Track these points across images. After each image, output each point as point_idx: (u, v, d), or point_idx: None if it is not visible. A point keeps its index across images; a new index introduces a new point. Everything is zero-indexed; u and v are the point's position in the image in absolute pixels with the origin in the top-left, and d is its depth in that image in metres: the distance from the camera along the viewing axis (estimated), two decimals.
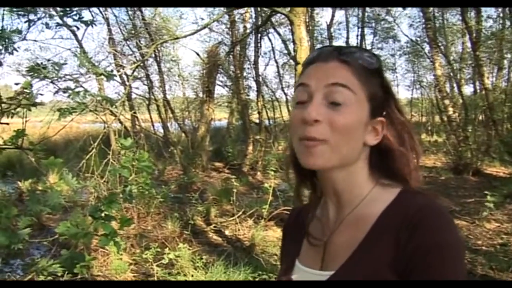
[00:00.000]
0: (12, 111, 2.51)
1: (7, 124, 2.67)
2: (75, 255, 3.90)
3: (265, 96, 14.97)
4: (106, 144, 5.41)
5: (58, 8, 2.80)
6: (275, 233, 6.18)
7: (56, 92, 2.89)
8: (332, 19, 17.15)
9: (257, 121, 13.51)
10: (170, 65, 14.81)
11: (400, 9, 16.23)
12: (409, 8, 15.46)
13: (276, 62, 16.24)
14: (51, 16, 2.85)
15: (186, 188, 9.36)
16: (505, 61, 14.09)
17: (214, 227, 6.71)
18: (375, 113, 0.88)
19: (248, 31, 12.92)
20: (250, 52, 13.68)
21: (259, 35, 12.85)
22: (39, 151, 2.53)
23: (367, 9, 16.90)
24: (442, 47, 13.35)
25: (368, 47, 19.28)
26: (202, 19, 14.34)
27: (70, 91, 2.75)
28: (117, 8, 12.02)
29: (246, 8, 12.09)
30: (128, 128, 10.78)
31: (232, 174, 10.30)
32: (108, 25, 12.30)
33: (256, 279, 4.41)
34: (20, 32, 2.66)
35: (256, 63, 13.04)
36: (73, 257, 3.81)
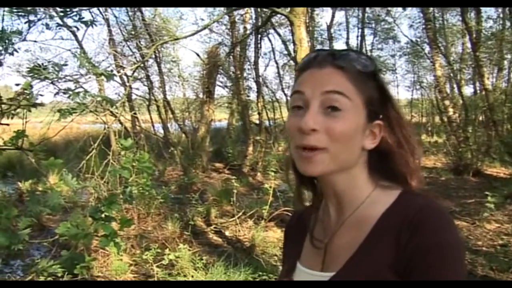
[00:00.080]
0: (12, 112, 2.51)
1: (7, 125, 2.67)
2: (75, 255, 3.90)
3: (265, 97, 14.97)
4: (106, 145, 5.41)
5: (58, 9, 2.80)
6: (275, 234, 6.18)
7: (57, 93, 2.90)
8: (332, 20, 17.18)
9: (257, 121, 13.51)
10: (170, 66, 14.82)
11: (400, 9, 16.25)
12: (409, 9, 15.49)
13: (276, 62, 16.25)
14: (51, 17, 2.86)
15: (186, 189, 9.36)
16: (505, 62, 14.08)
17: (214, 227, 6.71)
18: (372, 117, 0.88)
19: (248, 31, 12.92)
20: (250, 53, 13.71)
21: (259, 35, 12.85)
22: (39, 151, 2.53)
23: (367, 9, 16.91)
24: (442, 48, 13.37)
25: (368, 48, 19.32)
26: (202, 19, 14.36)
27: (70, 92, 2.75)
28: (117, 8, 12.04)
29: (246, 9, 12.10)
30: (128, 128, 10.77)
31: (232, 175, 10.29)
32: (108, 25, 12.30)
33: (256, 280, 4.40)
34: (20, 33, 2.66)
35: (256, 63, 13.05)
36: (73, 258, 3.81)
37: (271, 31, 13.87)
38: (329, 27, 16.98)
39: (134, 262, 5.28)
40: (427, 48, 14.12)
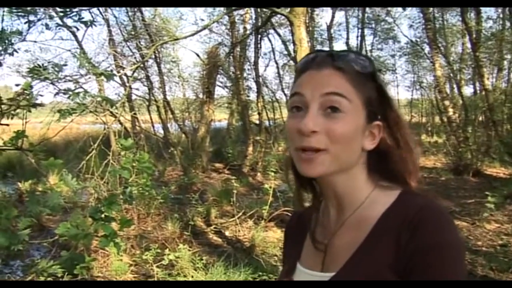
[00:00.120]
0: (12, 112, 2.51)
1: (7, 125, 2.67)
2: (75, 256, 3.90)
3: (265, 97, 14.97)
4: (106, 145, 5.41)
5: (58, 9, 2.80)
6: (275, 234, 6.18)
7: (57, 93, 2.89)
8: (332, 20, 17.19)
9: (257, 122, 13.51)
10: (170, 66, 14.81)
11: (400, 9, 16.26)
12: (409, 9, 15.48)
13: (276, 63, 16.26)
14: (51, 17, 2.86)
15: (186, 189, 9.36)
16: (505, 62, 14.09)
17: (214, 228, 6.71)
18: (371, 118, 0.88)
19: (248, 32, 12.92)
20: (250, 53, 13.71)
21: (259, 36, 12.85)
22: (39, 152, 2.53)
23: (367, 10, 16.92)
24: (442, 48, 13.37)
25: (368, 48, 19.33)
26: (202, 20, 14.34)
27: (70, 92, 2.75)
28: (117, 9, 12.03)
29: (246, 9, 12.10)
30: (128, 129, 10.77)
31: (232, 175, 10.30)
32: (108, 26, 12.31)
33: (256, 280, 4.40)
34: (20, 33, 2.66)
35: (256, 64, 13.05)
36: (73, 258, 3.82)
37: (271, 31, 13.88)
38: (329, 27, 16.99)
39: (134, 262, 5.28)
40: (427, 48, 14.14)
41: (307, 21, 9.43)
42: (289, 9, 5.09)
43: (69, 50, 9.14)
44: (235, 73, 12.92)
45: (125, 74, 9.47)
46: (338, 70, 0.86)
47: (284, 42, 14.36)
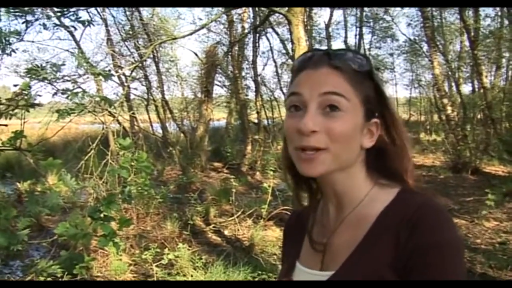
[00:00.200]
0: (10, 112, 2.51)
1: (6, 125, 2.67)
2: (74, 256, 3.90)
3: (263, 96, 14.94)
4: (104, 145, 5.40)
5: (56, 9, 2.80)
6: (274, 233, 6.19)
7: (55, 93, 2.89)
8: (330, 19, 17.19)
9: (256, 121, 13.50)
10: (169, 66, 14.78)
11: (398, 8, 16.26)
12: (407, 7, 15.48)
13: (275, 61, 16.26)
14: (48, 17, 2.85)
15: (185, 188, 9.36)
16: (503, 60, 14.09)
17: (214, 227, 6.71)
18: (369, 116, 0.88)
19: (246, 31, 12.91)
20: (249, 52, 13.69)
21: (257, 35, 12.85)
22: (38, 152, 2.53)
23: (365, 8, 16.91)
24: (440, 46, 13.36)
25: (367, 47, 19.35)
26: (200, 19, 14.32)
27: (68, 92, 2.75)
28: (115, 8, 12.00)
29: (244, 8, 12.08)
30: (126, 128, 10.73)
31: (231, 174, 10.31)
32: (106, 25, 12.27)
33: (256, 279, 4.41)
34: (18, 33, 2.66)
35: (254, 63, 13.04)
36: (72, 258, 3.82)
37: (269, 30, 13.88)
38: (327, 26, 16.99)
39: (134, 262, 5.28)
40: (425, 47, 14.15)
41: (305, 19, 9.44)
42: (287, 8, 5.09)
43: (67, 50, 9.16)
44: (234, 72, 12.91)
45: (123, 74, 9.47)
46: (336, 69, 0.86)
47: (282, 41, 14.37)
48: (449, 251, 0.77)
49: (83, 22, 2.93)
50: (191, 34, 6.77)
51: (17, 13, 2.71)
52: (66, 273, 4.03)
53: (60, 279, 4.02)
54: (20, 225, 2.36)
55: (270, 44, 17.46)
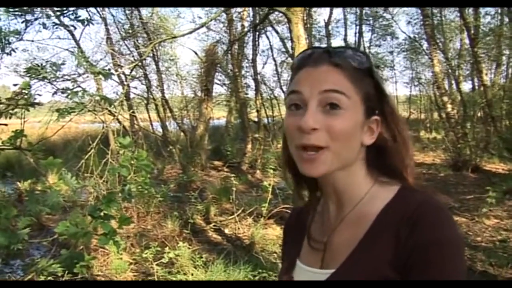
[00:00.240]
0: (10, 111, 2.51)
1: (6, 125, 2.67)
2: (74, 254, 3.91)
3: (263, 95, 14.96)
4: (105, 144, 5.40)
5: (55, 8, 2.80)
6: (275, 231, 6.19)
7: (55, 92, 2.89)
8: (330, 17, 17.18)
9: (256, 119, 13.51)
10: (168, 64, 14.78)
11: None
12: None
13: (274, 60, 16.27)
14: (48, 16, 2.85)
15: (185, 187, 9.36)
16: (504, 58, 14.05)
17: (214, 225, 6.71)
18: (369, 113, 0.88)
19: (246, 29, 12.90)
20: (248, 51, 13.68)
21: (257, 33, 12.84)
22: (38, 151, 2.53)
23: None
24: (440, 44, 13.35)
25: (366, 45, 19.34)
26: (200, 18, 14.35)
27: (68, 91, 2.75)
28: (114, 7, 12.00)
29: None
30: (126, 127, 10.75)
31: (231, 173, 10.32)
32: (106, 24, 12.26)
33: (256, 277, 4.41)
34: (18, 32, 2.66)
35: (254, 61, 13.04)
36: (73, 257, 3.82)
37: (269, 28, 13.88)
38: (327, 24, 16.97)
39: (134, 260, 5.29)
40: (425, 45, 14.16)
41: (305, 18, 9.44)
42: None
43: (67, 49, 9.16)
44: (233, 71, 12.90)
45: (123, 73, 9.45)
46: (336, 67, 0.86)
47: (282, 39, 14.38)
48: (449, 249, 0.77)
49: (82, 21, 2.93)
50: (190, 32, 6.78)
51: (16, 13, 2.70)
52: (66, 272, 4.04)
53: (60, 278, 4.03)
54: (20, 224, 2.36)
55: (270, 42, 17.45)
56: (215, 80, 13.52)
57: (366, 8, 17.34)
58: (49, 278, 3.97)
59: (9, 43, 2.61)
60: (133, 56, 12.21)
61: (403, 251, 0.78)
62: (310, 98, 0.84)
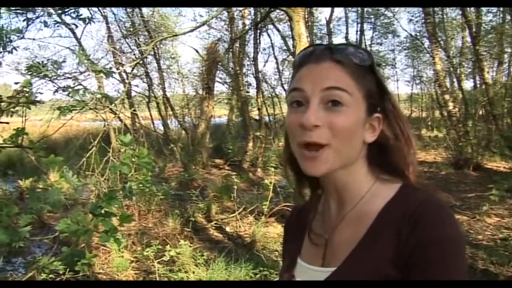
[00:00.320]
0: (12, 109, 2.51)
1: (7, 123, 2.67)
2: (75, 252, 3.92)
3: (264, 93, 14.96)
4: (106, 142, 5.42)
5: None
6: (276, 230, 6.19)
7: (56, 90, 2.89)
8: (331, 15, 17.13)
9: (257, 117, 13.51)
10: (170, 63, 14.78)
11: None
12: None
13: (276, 58, 16.26)
14: (49, 14, 2.85)
15: (186, 185, 9.37)
16: (505, 56, 14.00)
17: (215, 224, 6.72)
18: (371, 110, 0.88)
19: (247, 27, 12.88)
20: (250, 49, 13.67)
21: (258, 31, 12.83)
22: (39, 149, 2.53)
23: None
24: (442, 42, 13.33)
25: (368, 43, 19.31)
26: (201, 16, 14.29)
27: (69, 89, 2.75)
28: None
29: None
30: (128, 125, 10.77)
31: (232, 171, 10.30)
32: (107, 23, 12.27)
33: (257, 276, 4.42)
34: (20, 31, 2.66)
35: (255, 59, 13.03)
36: (74, 254, 3.83)
37: (270, 26, 13.87)
38: (328, 22, 16.93)
39: (135, 258, 5.30)
40: (426, 43, 14.11)
41: (306, 16, 9.42)
42: None
43: (68, 48, 9.15)
44: (235, 69, 12.90)
45: (125, 71, 9.48)
46: (337, 63, 0.86)
47: (283, 37, 14.35)
48: (450, 247, 0.76)
49: (84, 20, 2.93)
50: (192, 31, 6.78)
51: (18, 11, 2.70)
52: (68, 270, 4.05)
53: (62, 276, 4.04)
54: (21, 222, 2.37)
55: (271, 40, 17.39)
56: (216, 78, 13.55)
57: None
58: (51, 275, 3.98)
59: (11, 41, 2.61)
60: (134, 54, 12.23)
61: (405, 249, 0.78)
62: (312, 95, 0.84)
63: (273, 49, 16.06)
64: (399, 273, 0.78)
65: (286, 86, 15.97)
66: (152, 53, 12.31)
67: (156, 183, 7.69)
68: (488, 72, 11.48)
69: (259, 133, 12.69)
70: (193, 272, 4.53)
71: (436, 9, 13.16)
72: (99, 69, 3.02)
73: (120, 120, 8.89)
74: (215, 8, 12.15)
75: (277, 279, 3.84)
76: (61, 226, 2.28)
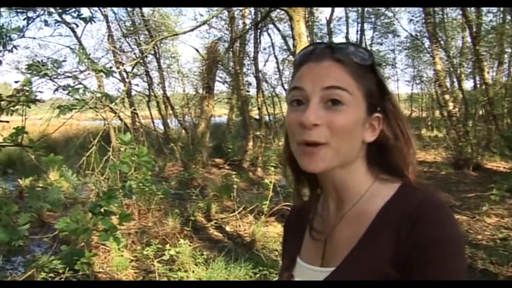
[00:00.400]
0: (12, 108, 2.51)
1: (7, 122, 2.67)
2: (74, 251, 3.91)
3: (265, 92, 14.96)
4: (106, 141, 5.42)
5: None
6: (276, 229, 6.19)
7: (56, 89, 2.89)
8: (331, 15, 17.12)
9: (257, 117, 13.51)
10: (170, 62, 14.79)
11: None
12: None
13: (276, 58, 16.26)
14: (50, 14, 2.85)
15: (186, 185, 9.37)
16: (506, 56, 14.00)
17: (215, 223, 6.72)
18: (371, 110, 0.88)
19: (247, 27, 12.88)
20: (250, 48, 13.68)
21: (259, 31, 12.83)
22: (39, 148, 2.53)
23: None
24: (442, 42, 13.32)
25: (368, 42, 19.31)
26: (201, 15, 14.29)
27: (69, 88, 2.75)
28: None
29: None
30: (128, 125, 10.77)
31: (232, 170, 10.30)
32: (107, 22, 12.27)
33: (257, 275, 4.42)
34: (20, 29, 2.65)
35: (255, 59, 13.03)
36: (73, 253, 3.83)
37: (271, 26, 13.87)
38: (329, 21, 16.93)
39: (135, 257, 5.30)
40: (427, 42, 14.11)
41: (306, 15, 9.41)
42: None
43: (68, 46, 9.15)
44: (235, 68, 12.90)
45: (125, 70, 9.48)
46: (338, 62, 0.85)
47: (283, 37, 14.36)
48: (450, 247, 0.76)
49: (84, 19, 2.93)
50: (192, 30, 6.78)
51: (18, 10, 2.70)
52: (68, 268, 4.05)
53: (62, 275, 4.04)
54: (21, 221, 2.37)
55: (271, 40, 17.41)
56: (217, 78, 13.55)
57: None
58: (50, 274, 3.98)
59: (11, 40, 2.61)
60: (134, 54, 12.23)
61: (404, 249, 0.78)
62: (312, 94, 0.84)
63: (273, 49, 16.08)
64: (398, 273, 0.77)
65: (286, 86, 15.96)
66: (153, 52, 12.31)
67: (156, 182, 7.69)
68: (488, 72, 11.48)
69: (259, 132, 12.69)
70: (193, 272, 4.53)
71: (437, 9, 13.16)
72: (99, 68, 3.02)
73: (120, 119, 8.89)
74: (215, 8, 12.17)
75: (276, 278, 3.84)
76: (60, 225, 2.28)
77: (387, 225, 0.82)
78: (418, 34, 16.88)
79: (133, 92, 13.12)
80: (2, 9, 2.62)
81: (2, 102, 2.51)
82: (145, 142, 10.84)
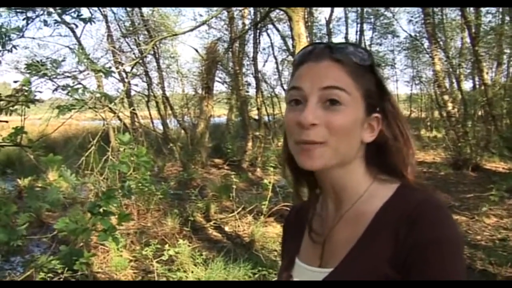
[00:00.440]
0: (11, 108, 2.51)
1: (6, 122, 2.67)
2: (73, 251, 3.91)
3: (264, 92, 14.97)
4: (105, 141, 5.41)
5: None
6: (275, 229, 6.19)
7: (55, 89, 2.89)
8: (331, 15, 17.15)
9: (257, 117, 13.51)
10: (169, 62, 14.80)
11: None
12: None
13: (275, 58, 16.28)
14: (49, 14, 2.85)
15: (185, 185, 9.37)
16: (504, 56, 14.04)
17: (214, 223, 6.72)
18: (370, 110, 0.87)
19: (247, 27, 12.88)
20: (249, 49, 13.68)
21: (258, 31, 12.84)
22: (38, 148, 2.53)
23: None
24: (441, 43, 13.34)
25: (367, 43, 19.33)
26: (201, 15, 14.33)
27: (69, 88, 2.75)
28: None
29: None
30: (127, 125, 10.77)
31: (231, 171, 10.30)
32: (107, 22, 12.28)
33: (256, 275, 4.41)
34: (20, 29, 2.65)
35: (255, 59, 13.04)
36: (72, 253, 3.83)
37: (270, 26, 13.88)
38: (328, 22, 16.94)
39: (134, 258, 5.29)
40: (426, 43, 14.12)
41: (306, 16, 9.42)
42: None
43: (68, 46, 9.14)
44: (234, 69, 12.90)
45: (124, 70, 9.47)
46: (337, 62, 0.85)
47: (283, 37, 14.37)
48: (448, 248, 0.76)
49: (84, 20, 2.93)
50: (191, 30, 6.78)
51: (17, 10, 2.70)
52: (66, 268, 4.05)
53: (60, 275, 4.03)
54: (20, 221, 2.37)
55: (270, 40, 17.46)
56: (216, 78, 13.54)
57: None
58: (49, 274, 3.97)
59: (10, 40, 2.61)
60: (134, 54, 12.23)
61: (402, 249, 0.77)
62: (310, 94, 0.84)
63: (272, 49, 16.11)
64: (397, 273, 0.77)
65: (285, 86, 15.94)
66: (152, 52, 12.31)
67: (155, 182, 7.69)
68: (487, 73, 11.51)
69: (258, 133, 12.69)
70: (192, 272, 4.52)
71: (436, 9, 13.18)
72: (98, 68, 3.02)
73: (120, 119, 8.87)
74: (215, 8, 12.17)
75: (275, 278, 3.85)
76: (59, 225, 2.28)
77: (386, 225, 0.81)
78: (418, 34, 16.92)
79: (133, 92, 13.13)
80: (2, 9, 2.62)
81: (1, 102, 2.51)
82: (144, 142, 10.85)
